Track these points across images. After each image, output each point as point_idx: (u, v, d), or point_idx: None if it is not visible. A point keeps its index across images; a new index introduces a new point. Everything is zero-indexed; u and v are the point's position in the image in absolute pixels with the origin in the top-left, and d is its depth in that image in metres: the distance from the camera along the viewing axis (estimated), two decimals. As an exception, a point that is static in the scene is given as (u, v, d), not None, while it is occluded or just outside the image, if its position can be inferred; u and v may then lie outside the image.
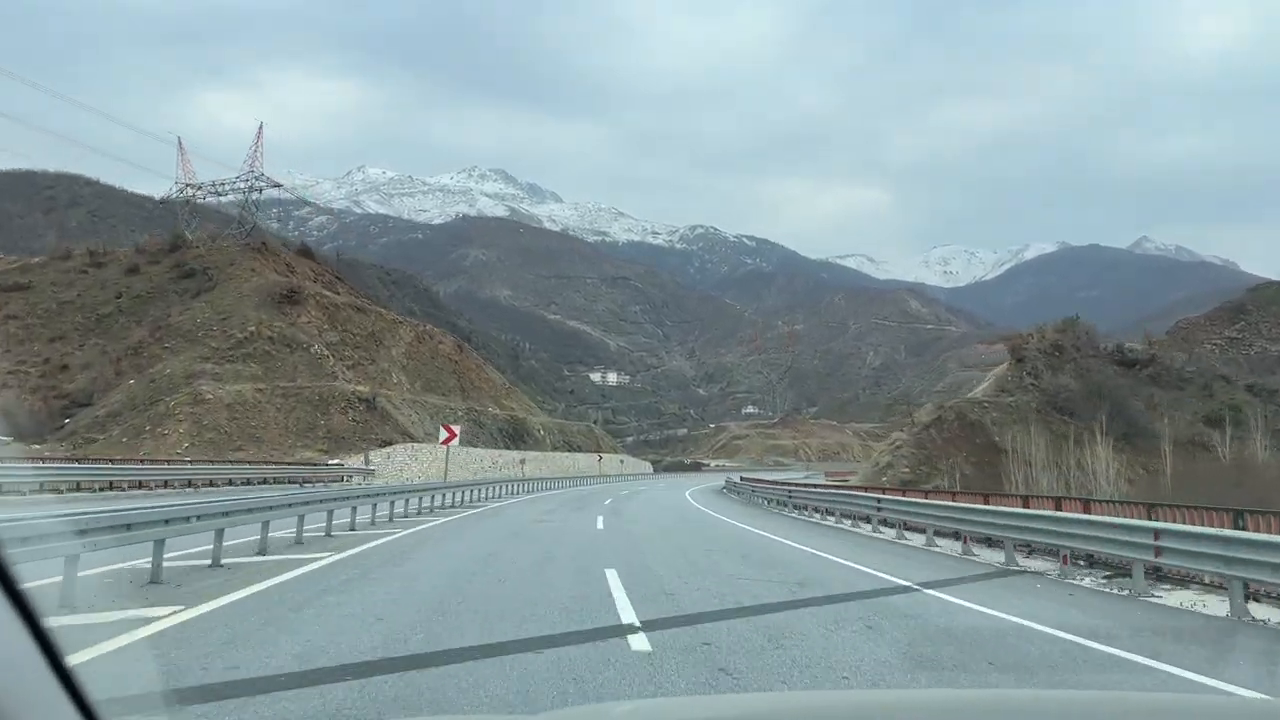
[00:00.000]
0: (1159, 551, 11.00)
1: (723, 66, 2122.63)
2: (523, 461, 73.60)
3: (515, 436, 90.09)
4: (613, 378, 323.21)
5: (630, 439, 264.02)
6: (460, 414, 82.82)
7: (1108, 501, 19.62)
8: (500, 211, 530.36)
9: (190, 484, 34.79)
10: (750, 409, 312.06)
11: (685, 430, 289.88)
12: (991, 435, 67.55)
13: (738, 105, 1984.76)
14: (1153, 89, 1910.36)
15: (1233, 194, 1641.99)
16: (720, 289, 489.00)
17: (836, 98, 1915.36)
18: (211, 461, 45.94)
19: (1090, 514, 13.91)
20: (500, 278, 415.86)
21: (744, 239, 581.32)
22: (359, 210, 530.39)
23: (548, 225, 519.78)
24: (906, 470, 63.81)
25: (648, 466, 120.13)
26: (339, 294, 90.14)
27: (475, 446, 79.35)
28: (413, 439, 67.47)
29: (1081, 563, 14.07)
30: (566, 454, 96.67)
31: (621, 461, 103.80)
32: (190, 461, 43.82)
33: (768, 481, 50.80)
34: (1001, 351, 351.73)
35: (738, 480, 63.16)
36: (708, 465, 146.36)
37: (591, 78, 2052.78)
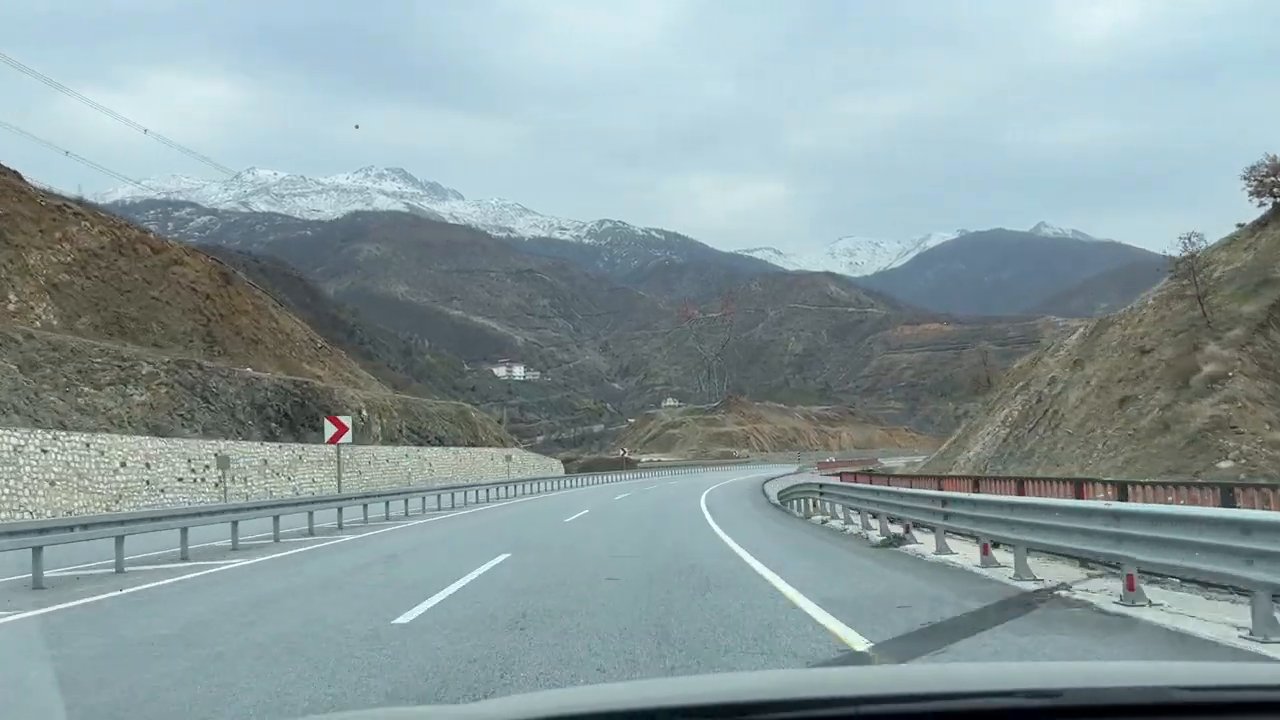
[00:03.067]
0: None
1: (624, 60, 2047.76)
2: (223, 469, 28.54)
3: (298, 419, 44.77)
4: (519, 372, 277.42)
5: (541, 438, 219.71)
6: (150, 375, 37.29)
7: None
8: (399, 209, 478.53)
9: None
10: (670, 401, 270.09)
11: (602, 426, 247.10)
12: None
13: (641, 99, 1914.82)
14: (1045, 77, 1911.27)
15: (1119, 179, 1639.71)
16: (632, 282, 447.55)
17: (738, 90, 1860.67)
18: None
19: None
20: (396, 273, 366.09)
21: (653, 233, 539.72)
22: (246, 210, 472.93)
23: (449, 222, 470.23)
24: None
25: (556, 466, 75.46)
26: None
27: (176, 435, 34.02)
28: None
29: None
30: (404, 447, 51.62)
31: (508, 458, 59.00)
32: None
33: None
34: (926, 335, 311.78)
35: (828, 482, 20.22)
36: (639, 461, 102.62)
37: (491, 74, 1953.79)
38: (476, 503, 31.61)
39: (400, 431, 55.36)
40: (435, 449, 54.93)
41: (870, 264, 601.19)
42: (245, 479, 35.77)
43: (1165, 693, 1.42)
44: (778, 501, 24.99)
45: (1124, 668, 2.02)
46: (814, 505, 20.01)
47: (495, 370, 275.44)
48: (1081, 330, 37.74)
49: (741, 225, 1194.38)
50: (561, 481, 50.15)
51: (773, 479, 51.74)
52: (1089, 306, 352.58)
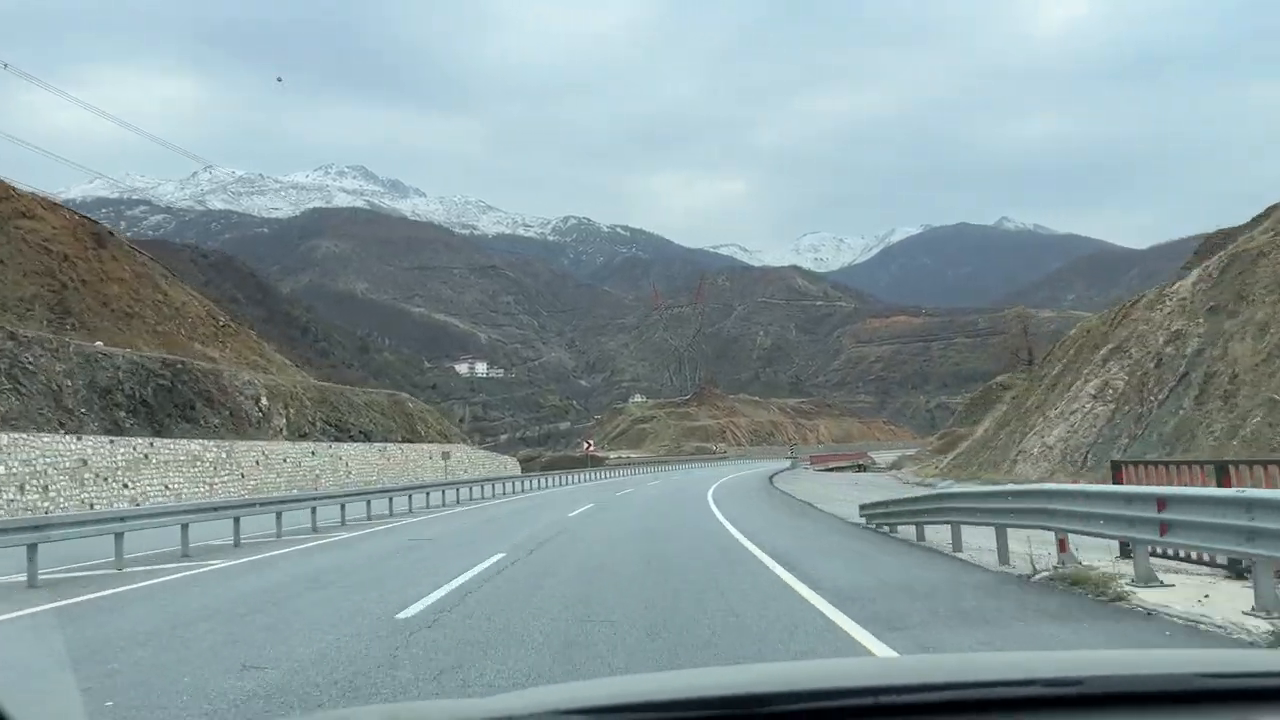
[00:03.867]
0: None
1: (590, 58, 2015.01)
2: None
3: (161, 408, 33.63)
4: (482, 369, 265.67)
5: (504, 436, 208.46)
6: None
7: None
8: (359, 206, 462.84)
9: None
10: (638, 397, 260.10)
11: (568, 424, 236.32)
12: None
13: (605, 97, 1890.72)
14: (1005, 74, 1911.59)
15: (1077, 175, 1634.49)
16: (597, 279, 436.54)
17: (702, 87, 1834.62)
18: None
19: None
20: (355, 270, 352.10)
21: (618, 229, 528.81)
22: (202, 208, 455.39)
23: (411, 219, 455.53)
24: None
25: (511, 465, 64.59)
26: None
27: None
28: None
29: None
30: (313, 443, 40.52)
31: (445, 456, 47.90)
32: None
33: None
34: (895, 327, 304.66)
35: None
36: (607, 459, 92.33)
37: (455, 72, 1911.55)
38: (334, 525, 20.84)
39: (314, 424, 44.31)
40: (356, 445, 43.99)
41: (835, 259, 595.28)
42: (46, 486, 24.73)
43: (1186, 680, 1.39)
44: (863, 520, 14.48)
45: (1145, 656, 1.97)
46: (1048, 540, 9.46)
47: (458, 368, 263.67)
48: (1199, 271, 27.70)
49: (706, 222, 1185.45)
50: (513, 484, 39.49)
51: (778, 473, 41.75)
52: (1054, 298, 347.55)
